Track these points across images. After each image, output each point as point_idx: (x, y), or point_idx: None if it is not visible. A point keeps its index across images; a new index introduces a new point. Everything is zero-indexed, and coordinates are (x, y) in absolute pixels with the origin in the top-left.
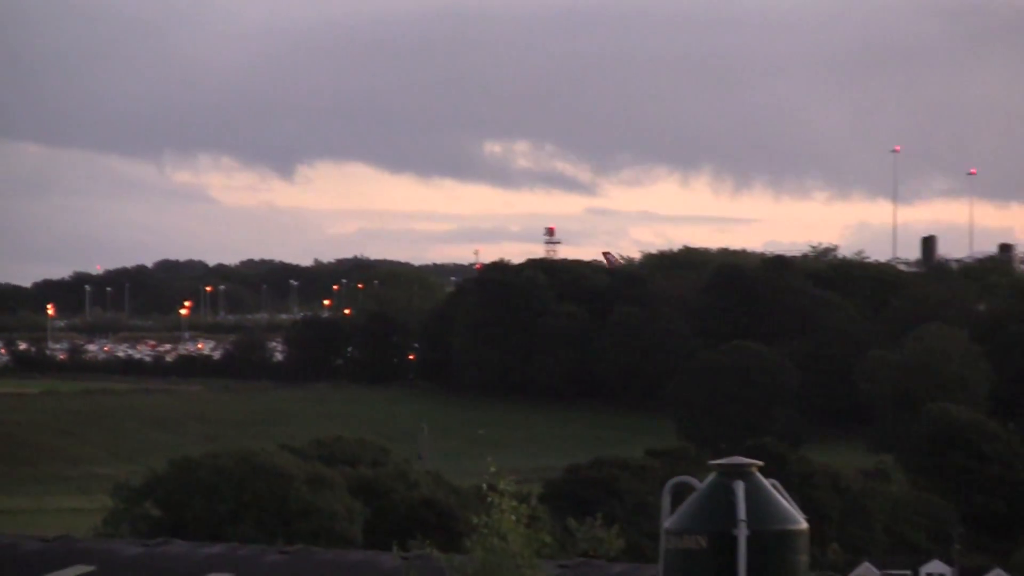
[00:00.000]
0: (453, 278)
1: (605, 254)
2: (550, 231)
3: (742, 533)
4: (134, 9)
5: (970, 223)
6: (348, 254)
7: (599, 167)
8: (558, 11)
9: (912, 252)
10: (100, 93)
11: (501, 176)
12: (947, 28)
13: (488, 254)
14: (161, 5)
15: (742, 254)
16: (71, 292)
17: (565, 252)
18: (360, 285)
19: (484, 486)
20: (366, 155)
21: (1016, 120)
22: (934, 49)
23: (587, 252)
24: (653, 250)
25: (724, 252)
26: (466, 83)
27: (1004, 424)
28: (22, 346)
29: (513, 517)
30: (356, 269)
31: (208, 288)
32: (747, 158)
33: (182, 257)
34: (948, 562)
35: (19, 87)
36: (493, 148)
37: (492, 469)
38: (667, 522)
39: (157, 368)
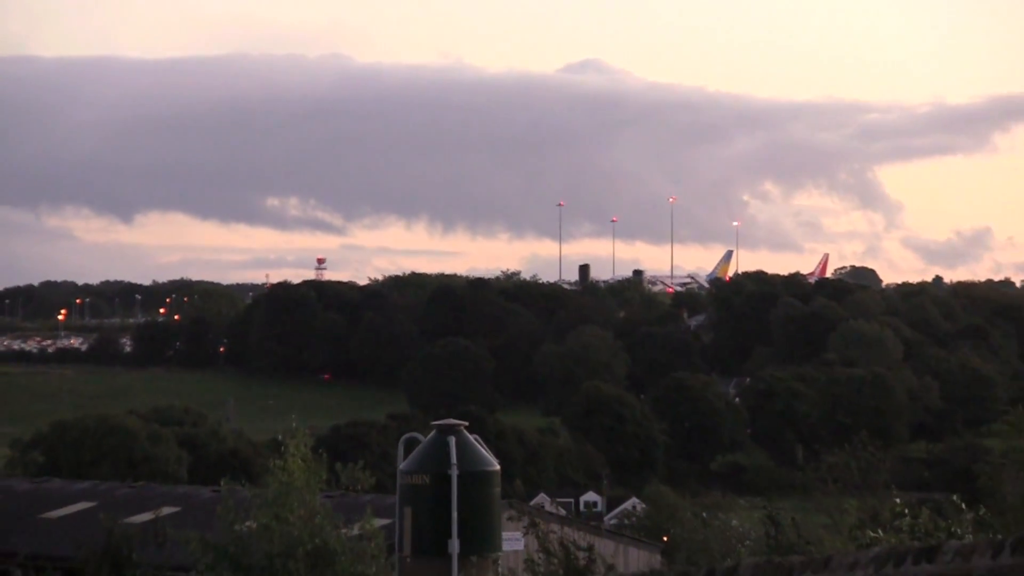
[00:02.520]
0: (251, 293)
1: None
2: (319, 261)
3: (454, 473)
4: (13, 100)
5: (612, 255)
6: (176, 276)
7: (348, 215)
8: (318, 100)
9: (572, 276)
10: None
11: (279, 222)
12: (591, 116)
13: (274, 277)
14: (35, 98)
15: (453, 277)
16: None
17: (329, 275)
18: (185, 299)
19: (289, 432)
20: (183, 207)
21: (641, 183)
22: (583, 130)
23: (344, 275)
24: (390, 274)
25: (440, 275)
26: (252, 154)
27: (637, 396)
28: None
29: (300, 460)
30: (181, 287)
31: (78, 300)
32: (452, 209)
33: (59, 279)
34: (599, 493)
35: None
36: (273, 202)
37: (294, 424)
38: (402, 465)
39: (41, 357)
